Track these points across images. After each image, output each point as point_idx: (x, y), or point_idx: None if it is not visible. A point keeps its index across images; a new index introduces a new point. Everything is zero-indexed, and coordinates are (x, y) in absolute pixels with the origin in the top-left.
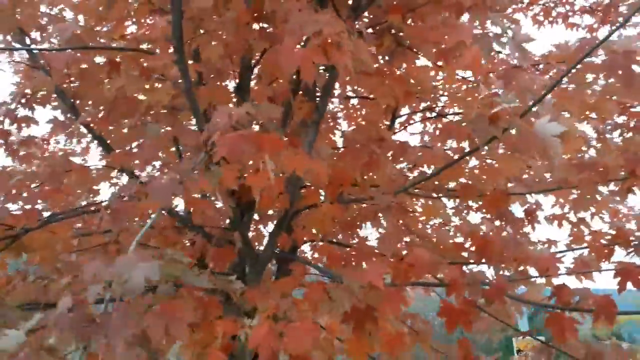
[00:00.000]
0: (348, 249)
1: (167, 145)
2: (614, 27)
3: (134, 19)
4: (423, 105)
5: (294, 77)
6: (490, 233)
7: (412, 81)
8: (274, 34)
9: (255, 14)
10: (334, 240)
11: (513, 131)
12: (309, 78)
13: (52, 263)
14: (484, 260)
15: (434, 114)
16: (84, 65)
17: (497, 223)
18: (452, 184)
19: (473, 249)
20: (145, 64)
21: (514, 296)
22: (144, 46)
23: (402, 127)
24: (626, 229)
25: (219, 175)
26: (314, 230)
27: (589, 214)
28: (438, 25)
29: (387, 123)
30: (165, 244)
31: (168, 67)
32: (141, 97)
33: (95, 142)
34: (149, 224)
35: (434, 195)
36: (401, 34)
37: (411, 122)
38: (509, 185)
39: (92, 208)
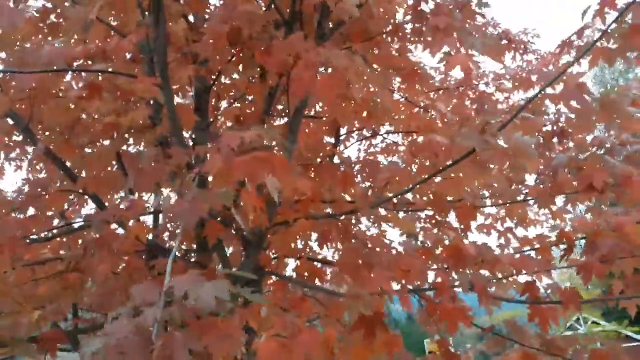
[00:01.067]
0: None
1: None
2: (569, 62)
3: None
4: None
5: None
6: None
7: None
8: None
9: (230, 39)
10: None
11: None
12: (328, 102)
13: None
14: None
15: (370, 133)
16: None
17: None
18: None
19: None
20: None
21: (497, 296)
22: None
23: (342, 144)
24: (567, 231)
25: (232, 197)
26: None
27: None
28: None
29: (332, 140)
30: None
31: (147, 90)
32: (108, 119)
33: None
34: (174, 250)
35: (405, 209)
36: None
37: (350, 139)
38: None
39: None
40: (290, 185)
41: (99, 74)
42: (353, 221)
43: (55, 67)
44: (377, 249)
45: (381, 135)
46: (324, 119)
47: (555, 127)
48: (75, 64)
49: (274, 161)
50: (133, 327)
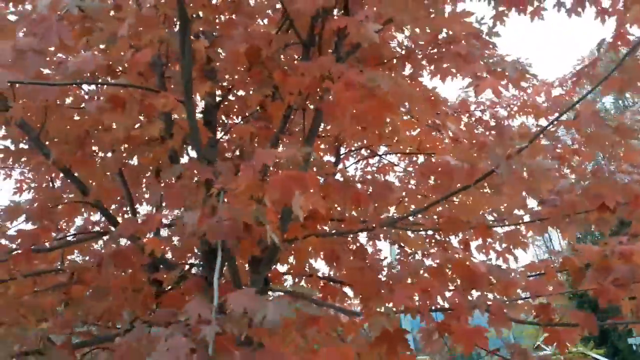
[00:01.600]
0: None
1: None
2: (583, 94)
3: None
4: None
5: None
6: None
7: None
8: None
9: (249, 58)
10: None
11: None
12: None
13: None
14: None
15: (367, 153)
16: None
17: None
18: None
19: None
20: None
21: (514, 318)
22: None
23: (342, 163)
24: (573, 257)
25: (263, 212)
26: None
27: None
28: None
29: (331, 159)
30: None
31: (169, 105)
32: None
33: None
34: (218, 266)
35: (421, 229)
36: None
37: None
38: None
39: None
40: (317, 204)
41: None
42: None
43: (78, 80)
44: (395, 270)
45: (379, 155)
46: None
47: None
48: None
49: (307, 180)
50: (189, 343)
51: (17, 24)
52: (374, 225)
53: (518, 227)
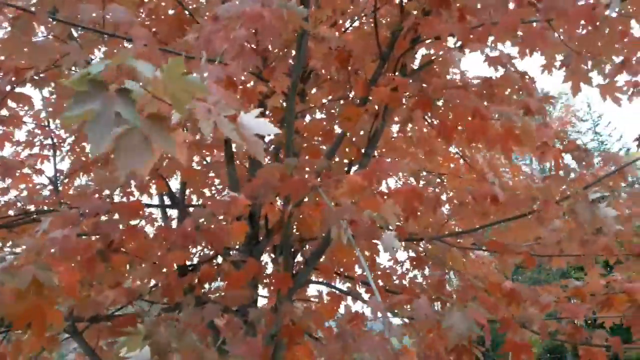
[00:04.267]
0: None
1: None
2: None
3: None
4: None
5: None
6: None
7: None
8: None
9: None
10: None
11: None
12: None
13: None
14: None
15: None
16: None
17: None
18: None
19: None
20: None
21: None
22: None
23: None
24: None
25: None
26: None
27: None
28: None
29: None
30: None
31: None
32: None
33: None
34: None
35: (471, 247)
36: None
37: None
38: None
39: None
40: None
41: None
42: None
43: None
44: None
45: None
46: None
47: None
48: None
49: (423, 196)
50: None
51: None
52: (421, 237)
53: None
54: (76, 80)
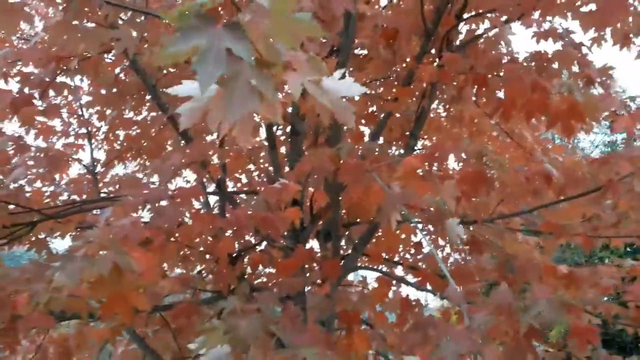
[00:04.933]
0: None
1: None
2: None
3: None
4: None
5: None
6: None
7: None
8: None
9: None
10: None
11: None
12: None
13: None
14: None
15: None
16: None
17: None
18: None
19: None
20: None
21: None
22: None
23: None
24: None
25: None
26: None
27: None
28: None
29: None
30: None
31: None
32: None
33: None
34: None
35: (525, 229)
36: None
37: None
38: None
39: None
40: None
41: None
42: None
43: None
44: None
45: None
46: None
47: None
48: None
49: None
50: None
51: None
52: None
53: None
54: (177, 16)
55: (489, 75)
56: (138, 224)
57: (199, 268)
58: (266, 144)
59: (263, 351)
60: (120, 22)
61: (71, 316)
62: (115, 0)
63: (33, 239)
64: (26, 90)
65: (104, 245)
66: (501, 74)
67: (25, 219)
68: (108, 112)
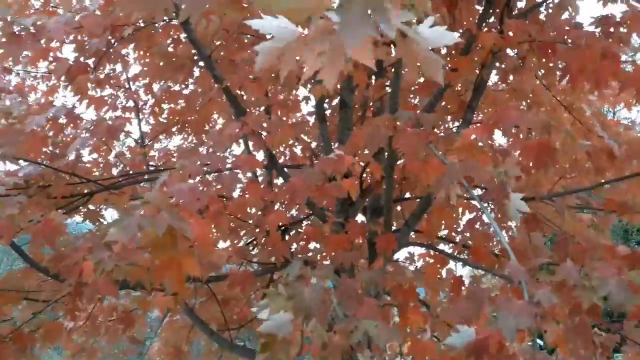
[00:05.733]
0: None
1: None
2: None
3: None
4: None
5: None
6: None
7: None
8: None
9: None
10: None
11: None
12: None
13: None
14: None
15: None
16: None
17: None
18: None
19: None
20: None
21: None
22: None
23: None
24: None
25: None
26: None
27: None
28: None
29: None
30: None
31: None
32: None
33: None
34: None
35: (585, 206)
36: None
37: None
38: None
39: None
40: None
41: None
42: None
43: None
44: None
45: None
46: None
47: None
48: None
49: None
50: None
51: None
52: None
53: None
54: None
55: (556, 44)
56: (195, 190)
57: (247, 240)
58: (309, 118)
59: (322, 321)
60: None
61: (134, 285)
62: None
63: (85, 210)
64: (82, 59)
65: (160, 208)
66: (568, 41)
67: (81, 190)
68: (155, 85)
